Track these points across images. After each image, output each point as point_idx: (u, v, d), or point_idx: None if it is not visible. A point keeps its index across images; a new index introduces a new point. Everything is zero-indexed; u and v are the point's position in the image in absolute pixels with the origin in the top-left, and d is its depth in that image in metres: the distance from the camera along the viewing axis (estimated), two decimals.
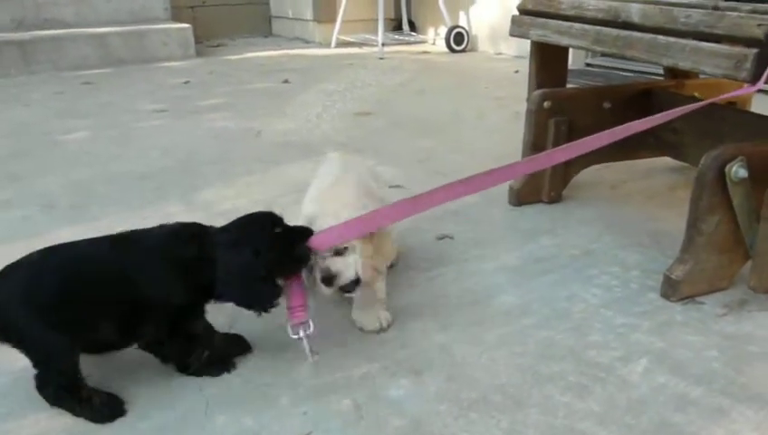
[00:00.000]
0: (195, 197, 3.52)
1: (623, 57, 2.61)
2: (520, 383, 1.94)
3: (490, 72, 6.78)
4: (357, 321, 2.23)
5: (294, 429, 1.77)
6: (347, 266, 2.02)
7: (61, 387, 1.80)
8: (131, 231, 1.95)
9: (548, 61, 3.24)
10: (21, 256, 1.84)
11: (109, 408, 1.83)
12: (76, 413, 1.81)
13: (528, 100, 3.18)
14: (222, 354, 2.02)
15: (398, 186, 3.55)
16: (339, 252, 2.01)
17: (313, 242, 1.96)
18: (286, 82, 6.44)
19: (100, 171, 4.00)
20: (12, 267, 1.83)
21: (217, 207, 3.33)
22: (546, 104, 3.08)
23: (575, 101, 3.15)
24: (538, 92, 3.13)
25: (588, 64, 6.49)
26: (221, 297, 1.90)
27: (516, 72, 6.55)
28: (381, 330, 2.21)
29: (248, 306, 1.91)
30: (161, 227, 1.96)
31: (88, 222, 3.23)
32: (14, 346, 1.79)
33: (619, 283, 2.49)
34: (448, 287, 2.50)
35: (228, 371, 2.00)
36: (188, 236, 1.91)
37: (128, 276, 1.81)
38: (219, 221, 3.12)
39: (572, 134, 3.10)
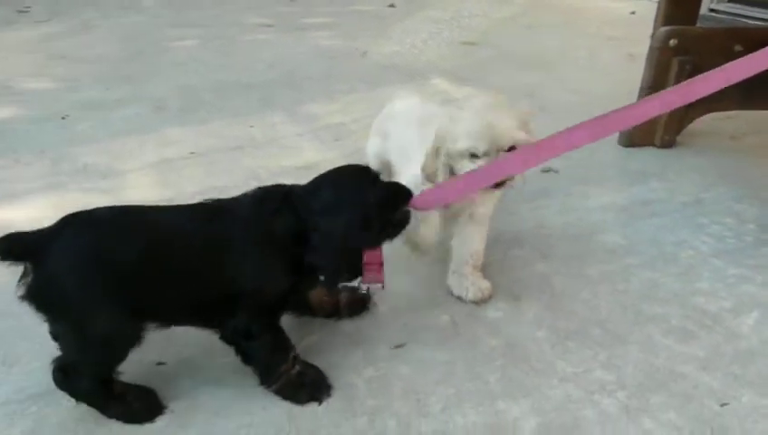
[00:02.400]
0: (299, 109, 3.54)
1: None
2: (620, 320, 1.89)
3: (603, 11, 6.46)
4: (454, 288, 1.99)
5: (392, 337, 1.80)
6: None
7: (96, 380, 1.52)
8: (217, 200, 1.62)
9: None
10: (91, 208, 1.55)
11: (146, 405, 1.57)
12: (109, 413, 1.54)
13: (652, 36, 3.01)
14: (313, 375, 1.65)
15: None
16: (511, 148, 1.77)
17: (416, 203, 1.69)
18: (392, 6, 6.34)
19: (207, 78, 4.07)
20: (76, 223, 1.50)
21: (321, 122, 3.35)
22: (672, 42, 2.91)
23: (704, 42, 2.95)
24: (664, 29, 2.95)
25: (712, 10, 6.09)
26: (312, 270, 1.59)
27: (632, 13, 6.23)
28: (482, 300, 1.97)
29: (339, 279, 1.64)
30: (246, 195, 1.63)
31: (195, 125, 3.31)
32: (52, 321, 1.50)
33: (733, 234, 2.37)
34: (551, 219, 2.45)
35: (320, 401, 1.60)
36: (278, 204, 1.57)
37: (213, 254, 1.51)
38: (323, 135, 3.19)
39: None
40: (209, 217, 1.55)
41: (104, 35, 5.18)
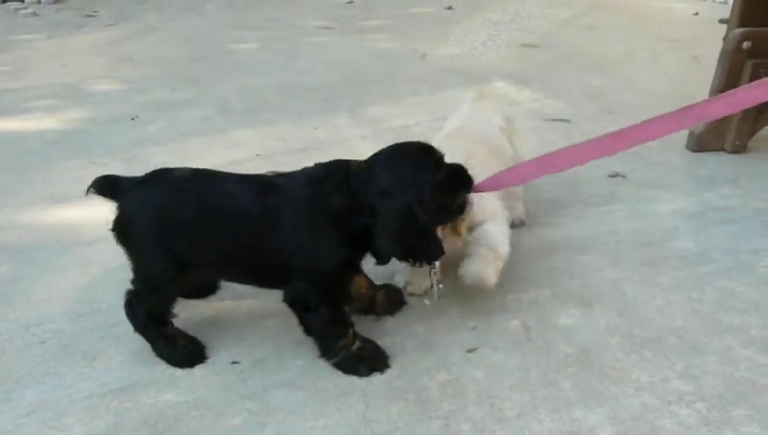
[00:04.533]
0: (361, 112, 3.56)
1: None
2: (697, 329, 1.85)
3: (665, 12, 6.33)
4: (468, 275, 1.85)
5: (464, 341, 1.79)
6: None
7: (150, 315, 1.71)
8: (277, 175, 1.72)
9: None
10: (174, 167, 1.78)
11: (189, 352, 1.73)
12: (157, 349, 1.72)
13: (725, 39, 2.93)
14: (372, 350, 1.71)
15: (565, 120, 3.44)
16: None
17: (485, 185, 1.74)
18: (450, 8, 6.34)
19: (270, 80, 4.13)
20: (158, 176, 1.72)
21: (384, 124, 3.36)
22: (746, 45, 2.83)
23: None
24: (737, 31, 2.87)
25: None
26: (379, 252, 1.64)
27: (696, 14, 6.09)
28: (479, 285, 1.85)
29: (411, 261, 1.66)
30: (304, 171, 1.72)
31: (261, 126, 3.37)
32: (127, 252, 1.71)
33: None
34: (619, 225, 2.41)
35: (381, 370, 1.68)
36: (337, 182, 1.62)
37: (265, 225, 1.61)
38: (387, 137, 3.19)
39: None
40: (267, 189, 1.65)
41: (168, 38, 5.31)
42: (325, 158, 2.90)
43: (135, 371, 1.70)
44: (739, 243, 2.30)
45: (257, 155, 2.99)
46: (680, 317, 1.90)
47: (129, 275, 2.07)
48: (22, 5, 6.68)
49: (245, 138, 3.21)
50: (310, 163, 2.88)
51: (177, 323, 1.85)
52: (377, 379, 1.66)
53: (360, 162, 1.67)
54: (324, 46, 4.99)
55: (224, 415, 1.56)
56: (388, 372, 1.68)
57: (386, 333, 1.82)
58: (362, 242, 1.62)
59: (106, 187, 1.74)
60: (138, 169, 2.85)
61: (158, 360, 1.73)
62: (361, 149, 3.06)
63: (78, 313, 1.92)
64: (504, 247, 1.87)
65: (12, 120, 3.49)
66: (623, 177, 2.78)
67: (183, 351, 1.72)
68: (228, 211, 1.63)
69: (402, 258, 1.65)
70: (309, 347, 1.76)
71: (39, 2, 6.84)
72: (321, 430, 1.52)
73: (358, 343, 1.68)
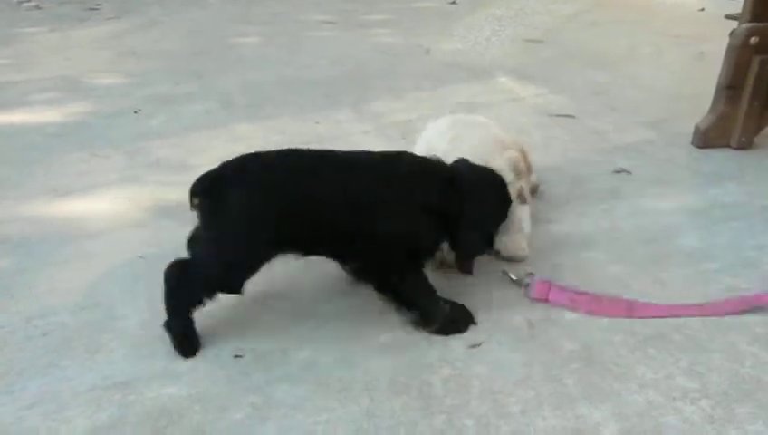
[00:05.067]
0: (364, 106, 3.55)
1: None
2: (701, 326, 1.84)
3: (670, 8, 6.31)
4: (504, 249, 2.14)
5: (467, 337, 1.79)
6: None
7: (195, 299, 1.72)
8: (382, 159, 1.83)
9: None
10: (265, 151, 1.79)
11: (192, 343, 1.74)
12: (172, 328, 1.72)
13: (731, 34, 2.92)
14: (459, 308, 1.86)
15: (569, 115, 3.43)
16: None
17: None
18: (453, 3, 6.32)
19: (272, 75, 4.12)
20: (250, 161, 1.75)
21: (387, 119, 3.36)
22: (753, 40, 2.81)
23: None
24: (744, 26, 2.86)
25: None
26: (458, 243, 1.86)
27: (702, 9, 6.07)
28: (515, 259, 2.15)
29: (475, 254, 1.93)
30: (411, 161, 1.86)
31: (262, 120, 3.36)
32: (206, 224, 1.71)
33: None
34: (623, 221, 2.40)
35: (475, 322, 1.83)
36: (442, 184, 1.80)
37: (367, 210, 1.72)
38: (390, 132, 3.20)
39: None
40: (372, 175, 1.76)
41: (171, 32, 5.29)
42: None
43: (137, 364, 1.69)
44: (744, 239, 2.29)
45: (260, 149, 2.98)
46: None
47: (132, 268, 2.09)
48: None
49: (247, 132, 3.20)
50: None
51: None
52: (380, 373, 1.65)
53: (462, 170, 1.88)
54: (327, 41, 4.98)
55: (226, 409, 1.55)
56: (392, 367, 1.67)
57: (389, 327, 1.82)
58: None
59: (209, 187, 1.73)
60: (140, 163, 2.87)
61: (160, 353, 1.73)
62: (364, 144, 3.06)
63: (80, 305, 1.92)
64: (526, 224, 2.18)
65: (14, 113, 3.48)
66: (628, 172, 2.77)
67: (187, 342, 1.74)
68: (336, 196, 1.71)
69: (472, 252, 1.92)
70: (312, 341, 1.77)
71: None
72: (323, 424, 1.52)
73: (447, 306, 1.82)
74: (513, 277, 2.00)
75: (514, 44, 4.88)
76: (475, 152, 2.02)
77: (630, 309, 1.89)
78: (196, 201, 1.72)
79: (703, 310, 1.89)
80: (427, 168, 1.83)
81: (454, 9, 6.11)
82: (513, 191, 2.03)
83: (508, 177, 2.04)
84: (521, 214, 2.17)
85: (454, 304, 1.84)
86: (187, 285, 1.72)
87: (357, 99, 3.67)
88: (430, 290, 1.81)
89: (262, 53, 4.69)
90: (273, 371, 1.67)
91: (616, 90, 3.86)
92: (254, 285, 1.86)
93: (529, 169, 2.32)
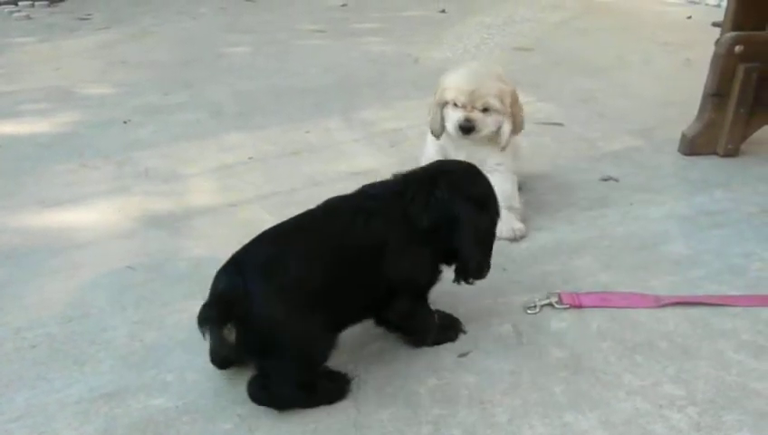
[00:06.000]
0: (353, 115, 3.56)
1: None
2: (689, 333, 1.85)
3: (658, 15, 6.36)
4: (502, 232, 2.22)
5: (455, 346, 1.79)
6: (482, 122, 2.32)
7: (301, 385, 1.57)
8: (366, 197, 1.71)
9: (751, 1, 2.94)
10: (248, 243, 1.62)
11: (337, 385, 1.64)
12: (310, 405, 1.59)
13: (717, 43, 2.94)
14: (448, 317, 1.85)
15: (558, 123, 3.45)
16: (485, 110, 2.31)
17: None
18: (443, 11, 6.34)
19: (262, 84, 4.13)
20: (253, 264, 1.54)
21: (376, 127, 3.37)
22: (738, 49, 2.84)
23: None
24: (729, 35, 2.89)
25: None
26: (461, 261, 1.74)
27: (689, 17, 6.12)
28: (513, 240, 2.31)
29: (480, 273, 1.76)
30: (387, 186, 1.73)
31: (253, 130, 3.36)
32: (263, 358, 1.54)
33: None
34: (612, 229, 2.41)
35: (464, 330, 1.84)
36: (421, 199, 1.67)
37: (377, 254, 1.61)
38: (379, 141, 3.20)
39: (764, 85, 2.87)
40: (367, 218, 1.63)
41: (162, 41, 5.30)
42: (318, 161, 2.95)
43: (125, 375, 1.69)
44: (731, 247, 2.30)
45: (250, 158, 2.99)
46: (672, 321, 1.90)
47: (121, 279, 2.09)
48: (15, 8, 6.66)
49: (238, 141, 3.20)
50: (303, 166, 2.90)
51: (165, 329, 1.85)
52: (367, 384, 1.65)
53: (424, 176, 1.73)
54: (317, 49, 5.00)
55: (214, 420, 1.55)
56: (379, 378, 1.67)
57: (377, 337, 1.81)
58: (448, 252, 1.72)
59: (220, 316, 1.49)
60: (129, 173, 2.86)
61: (148, 364, 1.73)
62: (354, 152, 3.07)
63: (68, 317, 1.91)
64: (515, 199, 2.39)
65: (4, 123, 3.47)
66: (616, 180, 2.79)
67: (331, 386, 1.63)
68: (349, 249, 1.60)
69: (478, 270, 1.74)
70: None
71: (33, 5, 6.83)
72: (311, 434, 1.51)
73: (436, 315, 1.81)
74: (536, 307, 1.96)
75: (504, 52, 4.91)
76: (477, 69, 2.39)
77: (657, 299, 1.98)
78: (228, 332, 1.49)
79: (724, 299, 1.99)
80: (401, 188, 1.70)
81: (444, 18, 6.14)
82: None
83: (492, 101, 2.30)
84: (505, 186, 2.29)
85: (442, 314, 1.84)
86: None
87: (346, 107, 3.68)
88: (431, 312, 1.78)
89: (252, 62, 4.70)
90: None
91: (604, 97, 3.88)
92: None
93: (515, 112, 2.43)
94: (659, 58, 4.76)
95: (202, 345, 1.77)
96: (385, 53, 4.86)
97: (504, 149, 2.41)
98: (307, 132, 3.31)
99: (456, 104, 2.33)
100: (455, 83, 2.34)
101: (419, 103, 3.75)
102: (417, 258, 1.67)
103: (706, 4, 6.66)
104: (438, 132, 2.44)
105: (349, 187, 2.68)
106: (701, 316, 1.92)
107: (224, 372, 1.70)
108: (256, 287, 1.48)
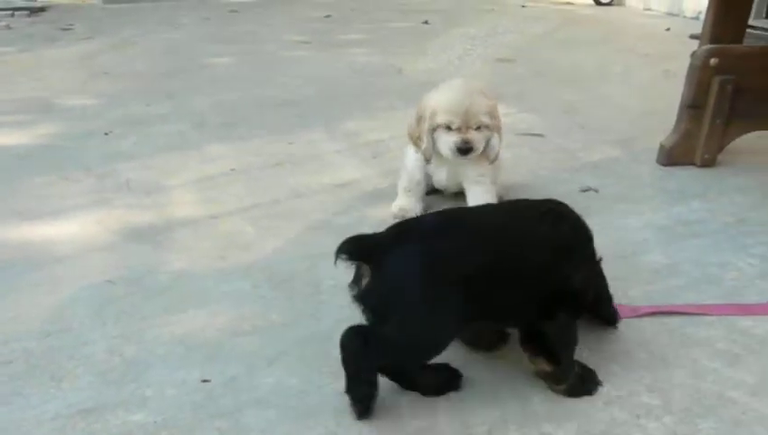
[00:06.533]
0: (337, 126, 3.58)
1: None
2: (666, 343, 1.87)
3: (638, 28, 6.45)
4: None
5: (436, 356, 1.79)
6: (479, 141, 2.36)
7: (386, 370, 1.58)
8: (543, 203, 1.77)
9: (728, 15, 3.00)
10: (419, 217, 1.75)
11: (446, 376, 1.68)
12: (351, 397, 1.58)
13: (693, 55, 2.99)
14: (585, 368, 1.73)
15: (538, 134, 3.48)
16: (478, 128, 2.34)
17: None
18: (426, 23, 6.39)
19: (246, 95, 4.13)
20: (412, 231, 1.57)
21: (360, 138, 3.38)
22: (713, 61, 2.88)
23: (746, 60, 2.93)
24: (704, 48, 2.93)
25: (750, 26, 6.01)
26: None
27: (668, 29, 6.20)
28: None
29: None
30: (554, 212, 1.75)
31: (235, 141, 3.37)
32: (380, 321, 1.51)
33: None
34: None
35: (601, 383, 1.70)
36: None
37: (557, 257, 1.62)
38: (363, 152, 3.22)
39: (739, 97, 2.92)
40: (552, 222, 1.67)
41: (144, 52, 5.29)
42: (301, 172, 2.95)
43: (103, 391, 1.68)
44: (707, 256, 2.33)
45: (232, 169, 2.99)
46: (650, 331, 1.92)
47: (100, 292, 2.08)
48: None
49: (220, 152, 3.20)
50: (286, 177, 2.90)
51: (145, 344, 1.84)
52: (346, 399, 1.65)
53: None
54: (301, 61, 5.01)
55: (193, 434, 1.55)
56: None
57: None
58: None
59: (354, 250, 1.51)
60: (110, 185, 2.85)
61: (127, 379, 1.71)
62: (337, 163, 3.08)
63: (46, 331, 1.90)
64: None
65: None
66: (596, 191, 2.81)
67: (441, 377, 1.67)
68: (521, 248, 1.59)
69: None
70: (280, 365, 1.76)
71: (13, 15, 6.79)
72: None
73: (576, 364, 1.69)
74: None
75: (486, 63, 4.95)
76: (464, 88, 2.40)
77: (635, 309, 1.99)
78: (366, 270, 1.51)
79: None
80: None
81: (427, 29, 6.18)
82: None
83: (484, 119, 2.36)
84: (487, 197, 2.43)
85: (582, 365, 1.72)
86: (369, 357, 1.54)
87: (330, 118, 3.70)
88: (575, 343, 1.69)
89: (235, 73, 4.70)
90: (241, 395, 1.66)
91: (585, 108, 3.92)
92: (225, 309, 1.87)
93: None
94: (639, 69, 4.82)
95: (182, 359, 1.78)
96: (369, 64, 4.89)
97: (493, 162, 2.45)
98: (290, 143, 3.32)
99: (449, 127, 2.34)
100: (446, 106, 2.35)
101: (403, 114, 3.77)
102: (593, 272, 1.74)
103: (685, 17, 6.74)
104: (430, 156, 2.45)
105: (331, 198, 2.74)
106: (678, 325, 1.94)
107: (204, 386, 1.69)
108: (403, 241, 1.50)
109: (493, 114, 2.39)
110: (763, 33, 5.80)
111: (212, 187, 2.82)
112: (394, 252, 1.50)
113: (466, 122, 2.33)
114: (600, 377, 1.72)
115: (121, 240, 2.42)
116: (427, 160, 2.46)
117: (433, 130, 2.39)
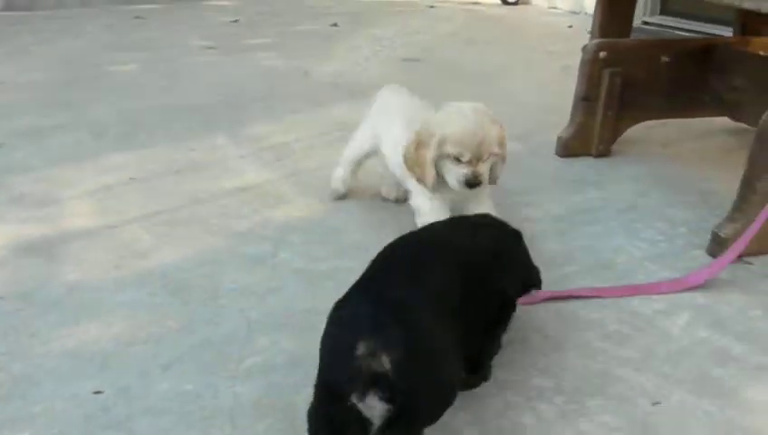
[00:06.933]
0: (242, 131, 3.54)
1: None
2: (560, 327, 1.94)
3: (543, 26, 6.63)
4: None
5: None
6: (487, 172, 2.21)
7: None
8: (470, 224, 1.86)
9: (614, 11, 3.12)
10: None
11: None
12: None
13: (584, 49, 3.10)
14: None
15: None
16: (484, 160, 2.18)
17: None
18: (335, 25, 6.39)
19: (148, 102, 4.04)
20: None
21: (264, 142, 3.35)
22: (602, 54, 3.00)
23: (632, 53, 3.07)
24: (594, 42, 3.05)
25: (645, 22, 6.29)
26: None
27: (570, 26, 6.41)
28: None
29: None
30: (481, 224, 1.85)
31: (136, 150, 3.28)
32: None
33: (665, 238, 2.45)
34: None
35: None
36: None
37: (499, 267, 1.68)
38: (266, 156, 3.19)
39: (627, 88, 3.04)
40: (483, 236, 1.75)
41: (42, 61, 5.09)
42: (202, 178, 2.91)
43: None
44: (602, 242, 2.43)
45: (131, 179, 2.91)
46: (545, 316, 1.99)
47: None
48: None
49: (119, 162, 3.11)
50: (186, 184, 2.85)
51: (34, 359, 1.78)
52: (245, 398, 1.64)
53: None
54: (206, 66, 4.93)
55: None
56: (257, 391, 1.67)
57: (254, 352, 1.81)
58: None
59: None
60: (2, 199, 2.73)
61: (15, 395, 1.65)
62: (239, 168, 3.05)
63: None
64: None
65: None
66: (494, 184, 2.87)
67: None
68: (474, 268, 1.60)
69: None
70: (176, 371, 1.73)
71: None
72: None
73: None
74: None
75: (393, 64, 5.00)
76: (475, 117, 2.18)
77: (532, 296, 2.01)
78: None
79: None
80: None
81: (335, 31, 6.18)
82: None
83: (496, 150, 2.20)
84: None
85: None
86: None
87: (235, 123, 3.65)
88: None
89: (138, 80, 4.59)
90: (135, 404, 1.63)
91: (488, 104, 3.96)
92: (119, 319, 1.82)
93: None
94: (541, 66, 4.96)
95: (73, 373, 1.73)
96: (275, 68, 4.85)
97: (494, 183, 2.35)
98: (192, 150, 3.26)
99: (458, 159, 2.14)
100: (458, 138, 2.12)
101: (308, 116, 3.78)
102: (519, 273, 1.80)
103: (586, 14, 6.97)
104: (433, 185, 2.22)
105: (232, 202, 2.70)
106: (572, 310, 2.01)
107: (96, 398, 1.65)
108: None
109: (502, 143, 2.23)
110: (658, 28, 6.09)
111: (110, 197, 2.74)
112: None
113: (478, 155, 2.14)
114: (497, 364, 1.77)
115: (12, 255, 2.32)
116: (428, 188, 2.23)
117: (440, 158, 2.17)
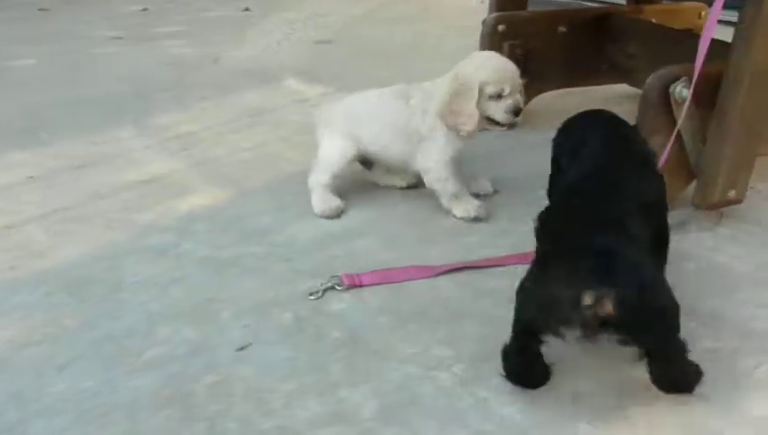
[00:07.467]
0: (148, 121, 3.46)
1: None
2: (459, 297, 1.98)
3: (454, 2, 6.68)
4: (456, 211, 2.43)
5: (234, 341, 1.80)
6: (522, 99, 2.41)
7: None
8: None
9: None
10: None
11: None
12: None
13: (483, 23, 3.14)
14: None
15: None
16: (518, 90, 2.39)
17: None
18: (247, 9, 6.29)
19: (51, 96, 3.91)
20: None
21: (170, 132, 3.30)
22: (500, 28, 3.05)
23: (530, 25, 3.13)
24: (492, 16, 3.10)
25: None
26: None
27: (482, 2, 6.45)
28: (476, 219, 2.41)
29: None
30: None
31: (36, 146, 3.18)
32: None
33: None
34: (389, 209, 2.52)
35: None
36: None
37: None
38: (172, 145, 3.14)
39: (529, 60, 3.10)
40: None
41: None
42: (105, 172, 2.84)
43: None
44: (502, 212, 2.48)
45: (29, 177, 2.82)
46: (446, 288, 2.03)
47: None
48: None
49: (17, 160, 3.00)
50: (87, 179, 2.78)
51: None
52: (143, 391, 1.63)
53: None
54: (113, 57, 4.80)
55: None
56: (156, 383, 1.65)
57: (155, 343, 1.79)
58: None
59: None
60: None
61: None
62: (143, 159, 3.00)
63: None
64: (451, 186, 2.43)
65: None
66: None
67: None
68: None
69: None
70: (74, 370, 1.70)
71: None
72: None
73: None
74: (319, 292, 1.99)
75: (305, 46, 4.96)
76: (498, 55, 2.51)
77: (434, 269, 2.08)
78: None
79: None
80: None
81: (247, 16, 6.09)
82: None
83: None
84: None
85: None
86: None
87: (141, 114, 3.57)
88: None
89: (41, 74, 4.43)
90: (28, 407, 1.59)
91: (399, 81, 4.01)
92: (10, 322, 1.77)
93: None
94: (450, 41, 4.99)
95: None
96: (183, 56, 4.75)
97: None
98: (95, 144, 3.17)
99: (500, 95, 2.35)
100: (498, 76, 2.35)
101: (216, 103, 3.73)
102: None
103: None
104: (476, 130, 2.41)
105: (134, 195, 2.65)
106: (470, 280, 2.06)
107: None
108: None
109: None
110: None
111: (6, 197, 2.65)
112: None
113: (515, 87, 2.36)
114: (398, 338, 1.81)
115: None
116: (471, 136, 2.44)
117: (481, 100, 2.36)
